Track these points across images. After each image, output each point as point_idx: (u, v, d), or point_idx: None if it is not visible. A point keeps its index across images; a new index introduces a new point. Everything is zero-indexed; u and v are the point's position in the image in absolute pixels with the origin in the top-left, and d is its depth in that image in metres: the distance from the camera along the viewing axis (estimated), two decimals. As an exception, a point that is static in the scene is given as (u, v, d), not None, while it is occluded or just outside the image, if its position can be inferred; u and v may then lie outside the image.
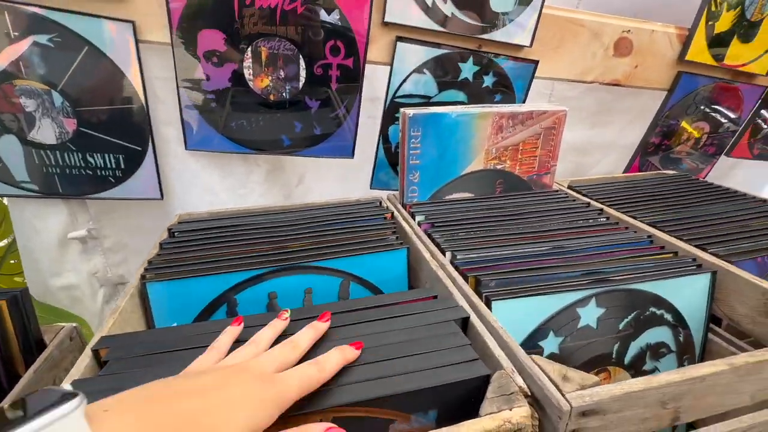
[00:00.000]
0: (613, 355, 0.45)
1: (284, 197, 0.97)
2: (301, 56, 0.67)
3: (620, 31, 0.83)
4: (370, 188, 0.87)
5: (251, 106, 0.69)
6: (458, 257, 0.50)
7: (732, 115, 1.05)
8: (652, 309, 0.46)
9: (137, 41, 0.61)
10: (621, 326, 0.45)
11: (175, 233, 0.55)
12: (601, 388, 0.31)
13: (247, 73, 0.66)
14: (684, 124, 1.03)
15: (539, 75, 0.83)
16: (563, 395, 0.30)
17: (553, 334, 0.42)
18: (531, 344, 0.42)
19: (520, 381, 0.31)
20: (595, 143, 1.11)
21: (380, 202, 0.67)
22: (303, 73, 0.69)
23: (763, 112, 1.12)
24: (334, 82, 0.71)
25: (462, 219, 0.60)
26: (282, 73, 0.68)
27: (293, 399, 0.25)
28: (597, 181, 0.82)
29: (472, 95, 0.79)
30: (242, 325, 0.33)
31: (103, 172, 0.69)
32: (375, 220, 0.61)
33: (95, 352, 0.35)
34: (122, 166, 0.69)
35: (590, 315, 0.44)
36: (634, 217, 0.64)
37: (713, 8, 0.84)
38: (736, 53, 0.92)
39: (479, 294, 0.42)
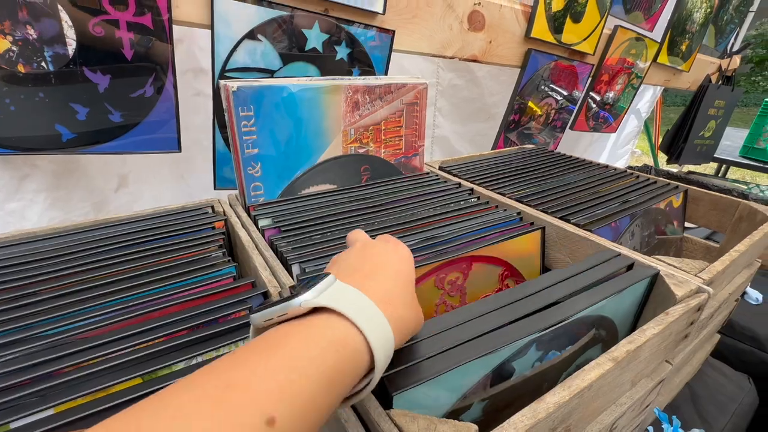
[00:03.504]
0: (542, 393, 0.35)
1: (95, 208, 0.72)
2: (59, 6, 0.46)
3: (472, 4, 0.81)
4: (215, 189, 0.69)
5: (-14, 82, 0.46)
6: (308, 271, 0.38)
7: (570, 92, 1.16)
8: (593, 332, 0.35)
9: None
10: (558, 361, 0.34)
11: None
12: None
13: (-37, 30, 0.43)
14: (530, 103, 1.08)
15: (399, 48, 0.75)
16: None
17: (478, 401, 0.29)
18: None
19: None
20: (488, 133, 1.12)
21: (212, 207, 0.51)
22: (71, 34, 0.47)
23: (591, 93, 1.26)
24: (128, 48, 0.51)
25: (319, 217, 0.49)
26: (32, 32, 0.46)
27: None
28: (467, 159, 0.79)
29: (326, 69, 0.68)
30: None
31: None
32: (201, 232, 0.45)
33: None
34: None
35: (527, 363, 0.31)
36: (503, 194, 0.61)
37: (549, -14, 0.88)
38: (570, 32, 0.99)
39: None
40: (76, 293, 0.33)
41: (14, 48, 0.46)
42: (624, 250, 0.43)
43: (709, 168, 2.37)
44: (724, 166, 2.13)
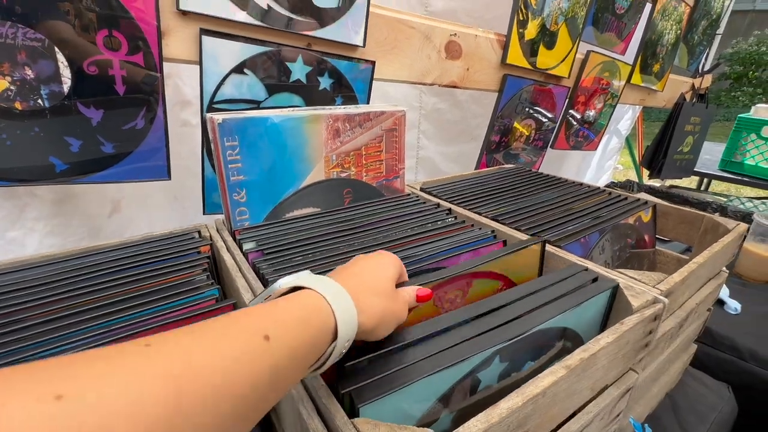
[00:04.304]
0: None
1: (90, 234, 0.74)
2: (56, 49, 0.49)
3: (448, 35, 0.86)
4: (204, 214, 0.71)
5: (-16, 119, 0.49)
6: (287, 291, 0.40)
7: (549, 113, 1.21)
8: (557, 343, 0.38)
9: None
10: (524, 373, 0.36)
11: None
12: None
13: (-35, 72, 0.46)
14: (516, 124, 1.13)
15: (381, 77, 0.80)
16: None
17: (447, 413, 0.31)
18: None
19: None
20: (472, 153, 1.16)
21: (199, 232, 0.54)
22: (66, 73, 0.51)
23: (571, 111, 1.32)
24: (120, 85, 0.55)
25: (301, 240, 0.51)
26: (29, 72, 0.49)
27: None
28: (448, 180, 0.82)
29: (310, 99, 0.71)
30: None
31: None
32: (187, 257, 0.47)
33: None
34: None
35: (492, 375, 0.33)
36: (480, 213, 0.63)
37: (521, 17, 0.94)
38: (544, 58, 1.05)
39: (335, 393, 0.28)
40: (64, 318, 0.34)
41: (12, 87, 0.49)
42: (589, 264, 0.46)
43: (693, 182, 2.43)
44: (705, 179, 2.19)
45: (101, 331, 0.33)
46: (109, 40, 0.52)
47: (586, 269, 0.44)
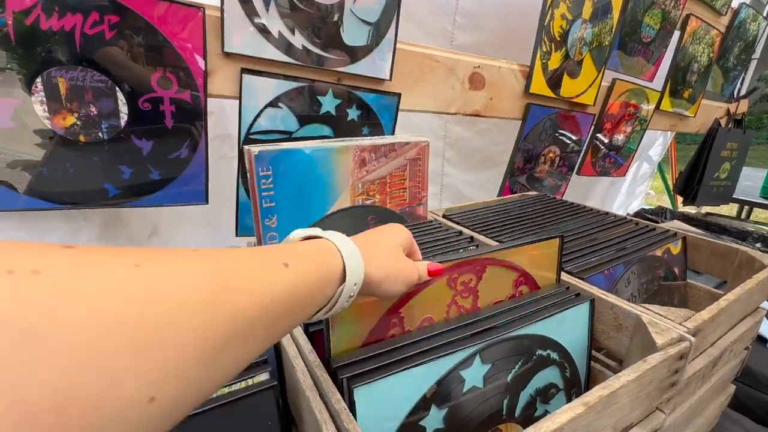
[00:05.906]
0: (504, 411, 0.40)
1: (132, 256, 0.80)
2: (117, 89, 0.55)
3: (472, 67, 0.89)
4: (236, 236, 0.76)
5: (53, 150, 0.55)
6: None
7: (574, 136, 1.21)
8: (539, 352, 0.42)
9: None
10: (510, 378, 0.39)
11: None
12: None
13: (41, 110, 0.52)
14: (541, 152, 1.14)
15: (406, 107, 0.83)
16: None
17: (436, 408, 0.35)
18: (411, 428, 0.34)
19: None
20: (496, 180, 1.18)
21: (233, 255, 0.57)
22: (124, 109, 0.57)
23: (598, 135, 1.31)
24: (169, 119, 0.60)
25: (326, 265, 0.54)
26: (93, 110, 0.55)
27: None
28: (470, 207, 0.83)
29: (339, 129, 0.75)
30: None
31: None
32: (221, 279, 0.50)
33: None
34: None
35: (475, 375, 0.37)
36: (501, 242, 0.64)
37: (544, 48, 0.96)
38: (568, 87, 1.06)
39: (336, 380, 0.33)
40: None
41: (78, 122, 0.55)
42: (611, 297, 0.46)
43: (733, 209, 2.31)
44: (746, 207, 2.08)
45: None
46: (162, 80, 0.58)
47: (568, 288, 0.47)
